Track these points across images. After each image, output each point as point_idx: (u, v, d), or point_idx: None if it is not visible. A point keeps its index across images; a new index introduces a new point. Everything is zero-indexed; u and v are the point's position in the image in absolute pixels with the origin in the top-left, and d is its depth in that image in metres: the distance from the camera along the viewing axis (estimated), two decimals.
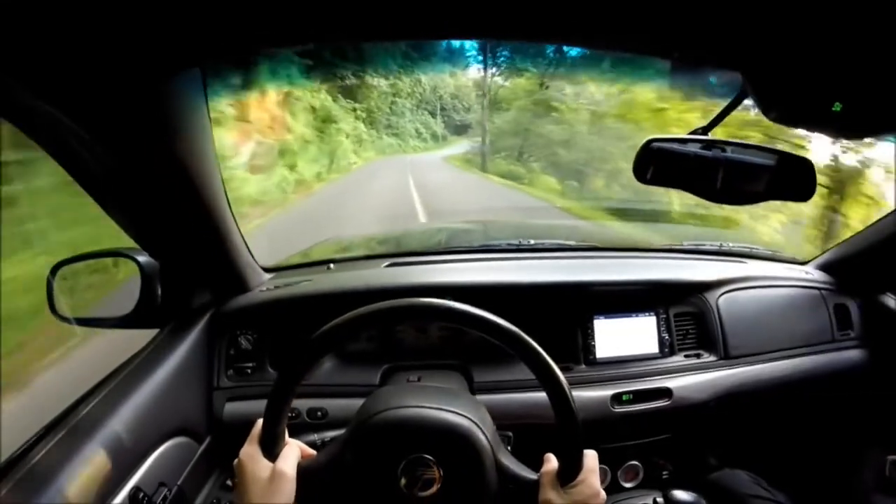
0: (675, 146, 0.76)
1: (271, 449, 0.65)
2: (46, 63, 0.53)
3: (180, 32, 0.54)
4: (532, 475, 0.67)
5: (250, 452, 0.64)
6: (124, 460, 0.78)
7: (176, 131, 0.71)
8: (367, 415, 0.68)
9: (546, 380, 0.65)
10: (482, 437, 0.66)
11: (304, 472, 0.65)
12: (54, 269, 1.00)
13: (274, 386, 0.65)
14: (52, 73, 0.55)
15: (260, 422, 0.66)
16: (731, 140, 0.75)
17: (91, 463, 0.71)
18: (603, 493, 0.66)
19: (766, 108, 0.63)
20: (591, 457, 0.67)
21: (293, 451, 0.66)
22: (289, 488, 0.63)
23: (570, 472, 0.65)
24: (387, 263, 1.31)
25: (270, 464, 0.64)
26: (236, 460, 0.65)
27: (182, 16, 0.51)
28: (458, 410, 0.67)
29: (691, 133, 0.75)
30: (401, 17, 0.54)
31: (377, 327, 0.67)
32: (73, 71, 0.55)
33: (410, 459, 0.65)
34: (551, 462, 0.68)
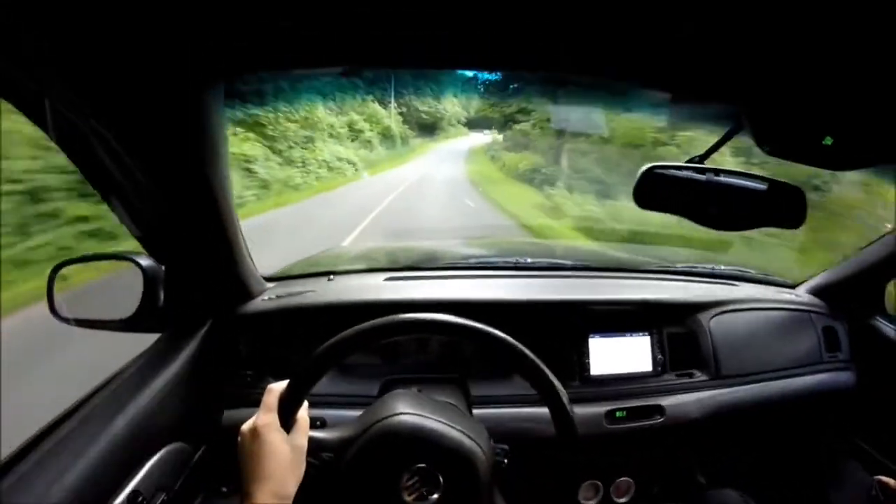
0: (674, 172, 0.79)
1: (289, 421, 0.65)
2: (79, 64, 0.55)
3: (215, 48, 0.56)
4: None
5: (269, 422, 0.63)
6: (123, 463, 0.78)
7: (196, 141, 0.73)
8: (384, 415, 0.70)
9: (548, 394, 0.67)
10: (486, 466, 0.69)
11: (314, 444, 0.67)
12: (55, 270, 1.00)
13: (312, 358, 0.66)
14: (86, 76, 0.57)
15: (276, 390, 0.66)
16: (722, 168, 0.78)
17: (90, 465, 0.71)
18: None
19: (760, 141, 0.66)
20: None
21: (306, 425, 0.67)
22: (303, 463, 0.64)
23: None
24: (386, 277, 1.32)
25: (286, 435, 0.64)
26: (247, 427, 0.64)
27: (218, 31, 0.53)
28: (472, 435, 0.70)
29: (689, 161, 0.79)
30: (428, 46, 0.56)
31: (395, 337, 0.69)
32: (103, 76, 0.57)
33: (416, 469, 0.67)
34: None
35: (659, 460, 1.23)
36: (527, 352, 0.67)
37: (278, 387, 0.67)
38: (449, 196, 8.66)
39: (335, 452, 0.69)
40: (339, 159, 9.56)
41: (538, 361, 0.67)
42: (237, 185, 6.47)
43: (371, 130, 11.98)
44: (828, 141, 0.61)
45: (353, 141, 10.66)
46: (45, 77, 0.56)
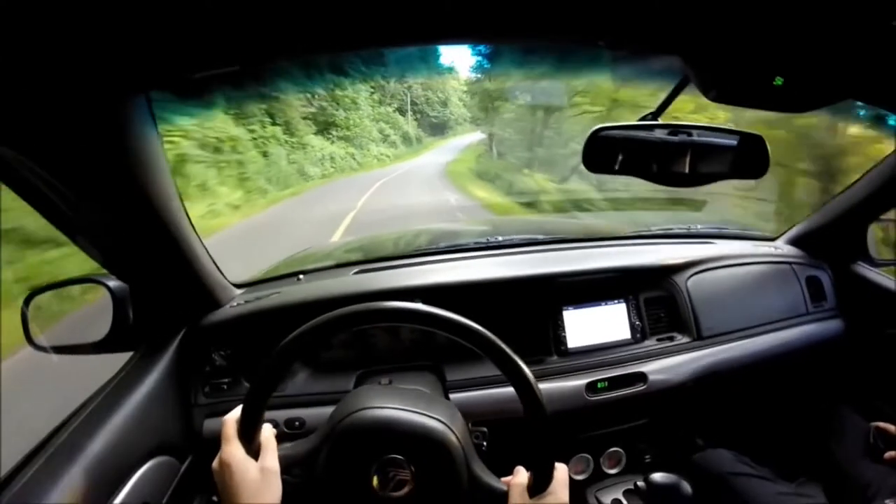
0: (625, 133, 0.76)
1: (252, 445, 0.64)
2: None
3: (120, 61, 0.53)
4: (502, 486, 0.68)
5: (233, 452, 0.63)
6: (106, 482, 0.78)
7: (128, 159, 0.71)
8: (346, 413, 0.69)
9: (511, 374, 0.65)
10: (456, 442, 0.67)
11: (285, 462, 0.66)
12: (28, 299, 1.00)
13: (256, 379, 0.65)
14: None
15: (231, 420, 0.65)
16: (680, 123, 0.75)
17: (73, 486, 0.71)
18: None
19: (705, 88, 0.63)
20: (561, 470, 0.68)
21: (273, 445, 0.66)
22: (277, 484, 0.63)
23: (540, 484, 0.66)
24: (355, 271, 1.31)
25: (255, 462, 0.63)
26: (216, 463, 0.64)
27: (121, 44, 0.50)
28: (434, 415, 0.69)
29: (641, 119, 0.76)
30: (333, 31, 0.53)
31: (344, 331, 0.67)
32: (19, 105, 0.55)
33: (384, 460, 0.66)
34: (520, 474, 0.69)
35: (647, 427, 1.23)
36: (480, 329, 0.65)
37: (232, 416, 0.66)
38: (432, 169, 15.16)
39: (307, 464, 0.68)
40: (381, 154, 17.34)
41: (494, 338, 0.65)
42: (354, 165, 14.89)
43: (395, 134, 18.92)
44: (778, 81, 0.58)
45: (383, 142, 17.97)
46: None
